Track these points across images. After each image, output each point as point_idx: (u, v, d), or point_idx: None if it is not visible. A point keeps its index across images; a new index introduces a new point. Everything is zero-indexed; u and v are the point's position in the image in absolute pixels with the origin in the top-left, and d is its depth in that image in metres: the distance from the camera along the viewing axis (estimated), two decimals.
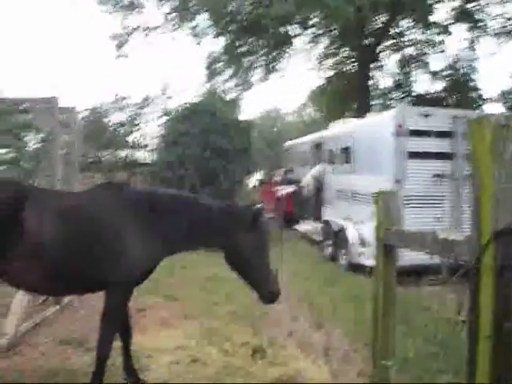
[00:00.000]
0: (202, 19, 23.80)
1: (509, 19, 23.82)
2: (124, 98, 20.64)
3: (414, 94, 27.99)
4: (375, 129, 9.27)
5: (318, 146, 12.53)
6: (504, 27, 24.36)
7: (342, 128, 11.27)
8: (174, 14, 23.31)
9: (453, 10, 24.28)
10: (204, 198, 4.32)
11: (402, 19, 24.13)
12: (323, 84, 28.24)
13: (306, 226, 13.19)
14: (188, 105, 18.01)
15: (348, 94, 25.07)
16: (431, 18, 24.40)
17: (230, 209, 4.14)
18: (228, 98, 25.52)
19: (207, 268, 9.68)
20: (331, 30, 22.75)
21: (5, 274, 3.70)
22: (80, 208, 3.93)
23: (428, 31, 25.57)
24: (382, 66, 26.75)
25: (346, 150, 10.51)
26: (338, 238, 10.06)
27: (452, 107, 20.50)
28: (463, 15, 23.99)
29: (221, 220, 4.01)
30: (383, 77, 28.03)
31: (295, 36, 23.77)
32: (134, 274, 3.86)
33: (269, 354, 5.17)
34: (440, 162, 8.63)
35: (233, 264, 4.06)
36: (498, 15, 23.85)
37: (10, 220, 3.56)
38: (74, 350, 5.12)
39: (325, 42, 24.48)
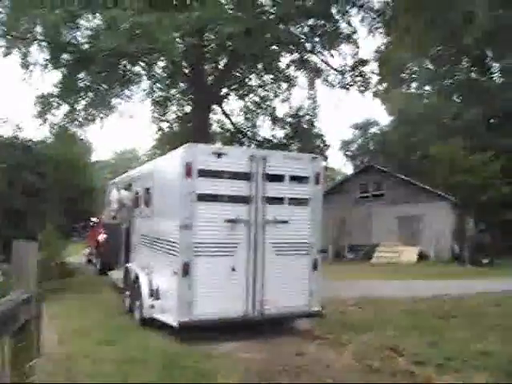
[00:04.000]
0: (35, 49, 22.07)
1: (344, 73, 25.03)
2: None
3: (258, 138, 28.23)
4: (167, 169, 8.49)
5: (129, 186, 11.54)
6: (342, 81, 25.57)
7: (146, 168, 10.43)
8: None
9: (295, 60, 25.10)
10: None
11: (245, 64, 24.34)
12: (165, 127, 27.91)
13: (116, 273, 12.06)
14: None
15: (189, 137, 24.57)
16: (275, 66, 25.05)
17: None
18: (75, 136, 24.11)
19: None
20: (168, 70, 22.26)
21: None
22: None
23: (271, 77, 26.23)
24: (224, 111, 26.83)
25: (147, 192, 9.65)
26: (134, 287, 9.08)
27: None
28: (304, 65, 24.89)
29: None
30: (223, 122, 28.21)
31: (136, 74, 22.91)
32: None
33: None
34: (235, 205, 7.94)
35: None
36: (340, 66, 24.95)
37: None
38: None
39: (163, 83, 23.84)
